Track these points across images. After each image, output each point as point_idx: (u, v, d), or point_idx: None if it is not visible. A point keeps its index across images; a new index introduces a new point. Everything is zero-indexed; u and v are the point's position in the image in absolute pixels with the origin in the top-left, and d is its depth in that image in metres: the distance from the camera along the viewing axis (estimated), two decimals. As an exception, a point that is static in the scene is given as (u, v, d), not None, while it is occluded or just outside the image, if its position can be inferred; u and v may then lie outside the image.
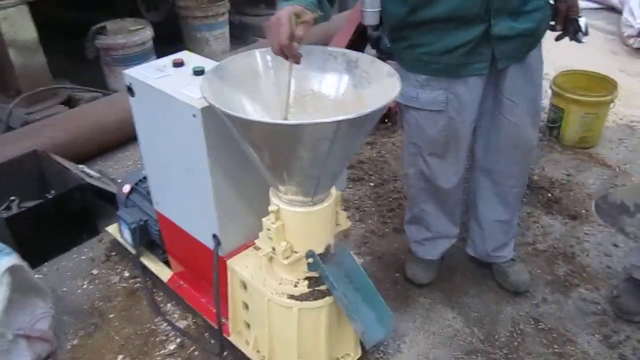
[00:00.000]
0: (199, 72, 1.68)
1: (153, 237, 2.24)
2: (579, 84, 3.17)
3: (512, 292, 2.20)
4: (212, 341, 2.02)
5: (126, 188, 2.34)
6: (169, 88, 1.63)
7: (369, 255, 2.43)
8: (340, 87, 1.57)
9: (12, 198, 2.63)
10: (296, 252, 1.60)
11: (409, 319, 2.11)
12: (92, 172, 2.78)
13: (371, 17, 3.37)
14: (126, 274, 2.38)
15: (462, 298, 2.20)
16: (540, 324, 2.08)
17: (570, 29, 1.83)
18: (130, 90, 1.77)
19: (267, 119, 1.54)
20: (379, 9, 3.09)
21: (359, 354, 1.88)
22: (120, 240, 2.38)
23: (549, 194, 2.77)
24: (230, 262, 1.79)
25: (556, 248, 2.44)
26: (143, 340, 2.06)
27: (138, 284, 2.31)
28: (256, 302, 1.76)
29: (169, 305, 2.21)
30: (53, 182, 2.71)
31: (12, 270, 1.80)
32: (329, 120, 1.23)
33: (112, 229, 2.46)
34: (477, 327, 2.08)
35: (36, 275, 2.11)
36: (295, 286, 1.66)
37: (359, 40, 3.58)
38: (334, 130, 1.26)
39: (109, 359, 2.00)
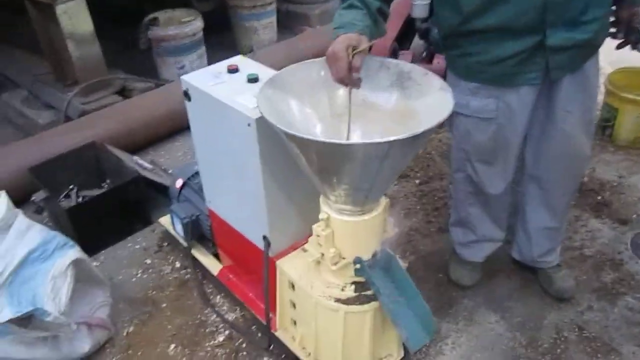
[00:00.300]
0: (253, 79, 1.73)
1: (204, 231, 2.32)
2: (634, 82, 3.07)
3: (556, 298, 2.19)
4: (260, 335, 2.10)
5: (179, 183, 2.42)
6: (224, 96, 1.68)
7: (413, 254, 2.45)
8: (391, 98, 1.58)
9: (71, 187, 2.77)
10: (344, 258, 1.64)
11: (452, 321, 2.14)
12: (145, 164, 2.89)
13: (421, 10, 3.32)
14: (177, 264, 2.48)
15: (505, 302, 2.21)
16: (585, 331, 2.07)
17: (632, 39, 1.78)
18: (187, 95, 1.83)
19: (319, 128, 1.58)
20: (429, 1, 3.04)
21: (402, 355, 1.91)
22: (172, 232, 2.47)
23: (599, 197, 2.72)
24: (279, 263, 1.85)
25: (604, 254, 2.40)
26: (193, 330, 2.16)
27: (189, 275, 2.40)
28: (303, 302, 1.81)
29: (218, 297, 2.30)
30: (109, 172, 2.83)
31: (75, 262, 1.92)
32: (381, 140, 1.25)
33: (165, 220, 2.55)
34: (520, 332, 2.08)
35: (94, 263, 2.21)
36: (342, 290, 1.71)
37: (407, 32, 3.55)
38: (385, 149, 1.29)
39: (162, 348, 2.10)
